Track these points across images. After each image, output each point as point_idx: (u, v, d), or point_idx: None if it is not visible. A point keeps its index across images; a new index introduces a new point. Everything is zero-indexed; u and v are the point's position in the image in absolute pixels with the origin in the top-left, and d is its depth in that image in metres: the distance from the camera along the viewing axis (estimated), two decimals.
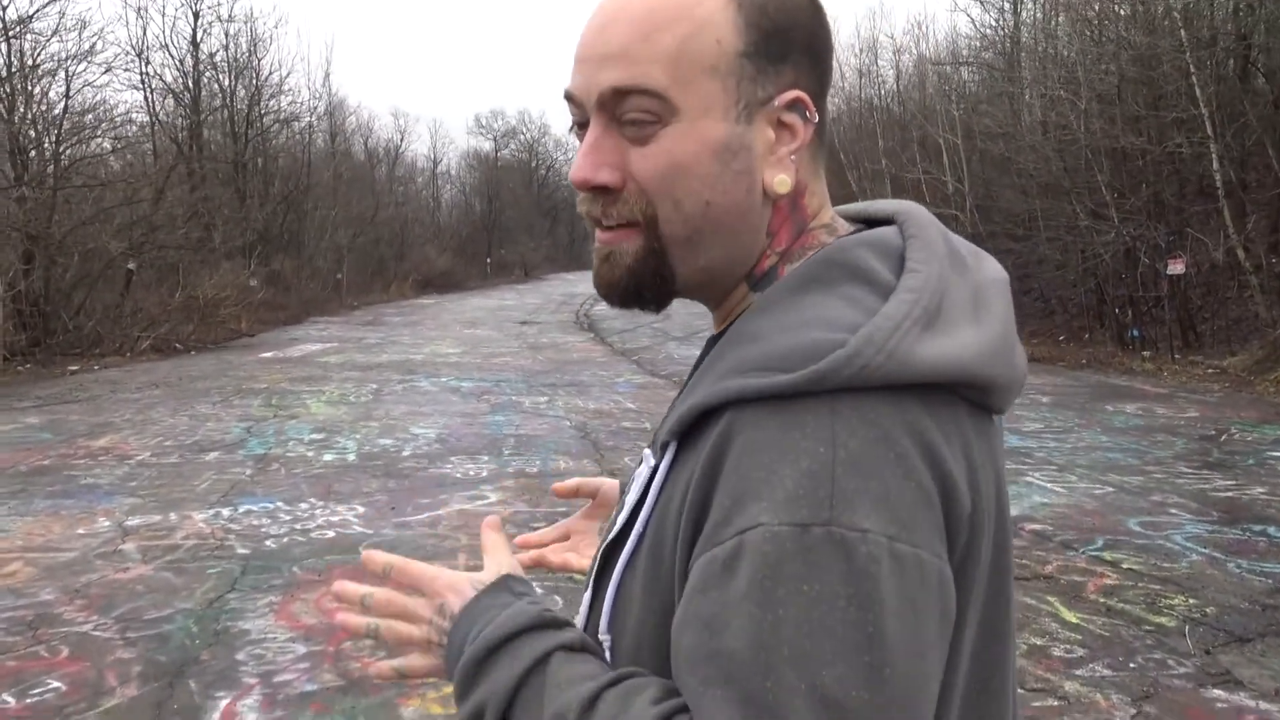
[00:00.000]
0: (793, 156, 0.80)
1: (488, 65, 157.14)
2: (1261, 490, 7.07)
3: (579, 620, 0.86)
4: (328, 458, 7.88)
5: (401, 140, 56.49)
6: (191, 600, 4.64)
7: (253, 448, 8.24)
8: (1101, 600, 4.76)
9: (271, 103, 34.17)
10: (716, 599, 0.67)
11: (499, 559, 0.88)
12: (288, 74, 38.31)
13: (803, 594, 0.64)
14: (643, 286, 0.81)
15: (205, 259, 22.46)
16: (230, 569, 5.10)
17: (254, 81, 33.19)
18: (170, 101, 30.56)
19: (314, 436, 8.75)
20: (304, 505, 6.33)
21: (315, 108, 37.73)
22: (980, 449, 0.75)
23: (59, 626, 4.32)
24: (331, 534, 5.71)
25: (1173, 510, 6.49)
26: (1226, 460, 8.12)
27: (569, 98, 0.82)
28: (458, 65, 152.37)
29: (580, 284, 45.03)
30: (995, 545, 0.76)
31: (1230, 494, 6.97)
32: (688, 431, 0.76)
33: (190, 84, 30.97)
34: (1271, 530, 5.99)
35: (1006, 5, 28.51)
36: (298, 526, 5.84)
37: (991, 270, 0.84)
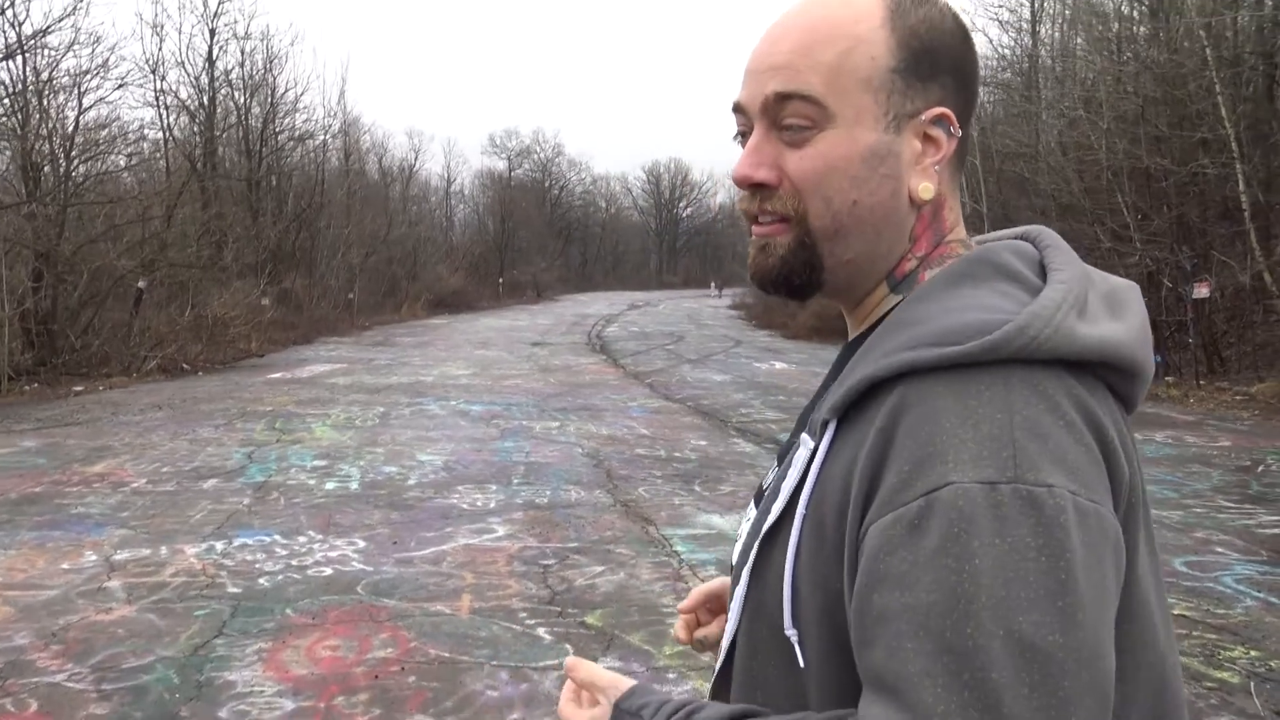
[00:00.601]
0: (936, 167, 0.87)
1: (502, 85, 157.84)
2: None
3: (731, 616, 0.89)
4: (329, 486, 7.57)
5: (416, 159, 56.47)
6: (175, 647, 4.32)
7: (252, 475, 7.94)
8: None
9: (286, 120, 34.17)
10: (906, 557, 0.70)
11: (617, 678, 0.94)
12: (303, 91, 38.57)
13: (996, 546, 0.67)
14: (794, 274, 0.88)
15: (216, 277, 22.28)
16: (219, 610, 4.78)
17: (269, 99, 33.18)
18: (185, 118, 30.55)
19: (317, 463, 8.45)
20: (302, 539, 6.02)
21: (330, 125, 37.74)
22: (1124, 431, 0.79)
23: (30, 676, 4.01)
24: (329, 571, 5.39)
25: (1219, 549, 6.13)
26: (1268, 493, 7.79)
27: (737, 108, 0.90)
28: (473, 85, 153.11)
29: (592, 305, 44.82)
30: (1145, 521, 0.80)
31: (1278, 530, 6.61)
32: (849, 410, 0.80)
33: (205, 101, 30.95)
34: None
35: (1025, 26, 28.28)
36: (294, 562, 5.52)
37: (1120, 280, 0.90)
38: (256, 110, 33.21)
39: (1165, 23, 19.30)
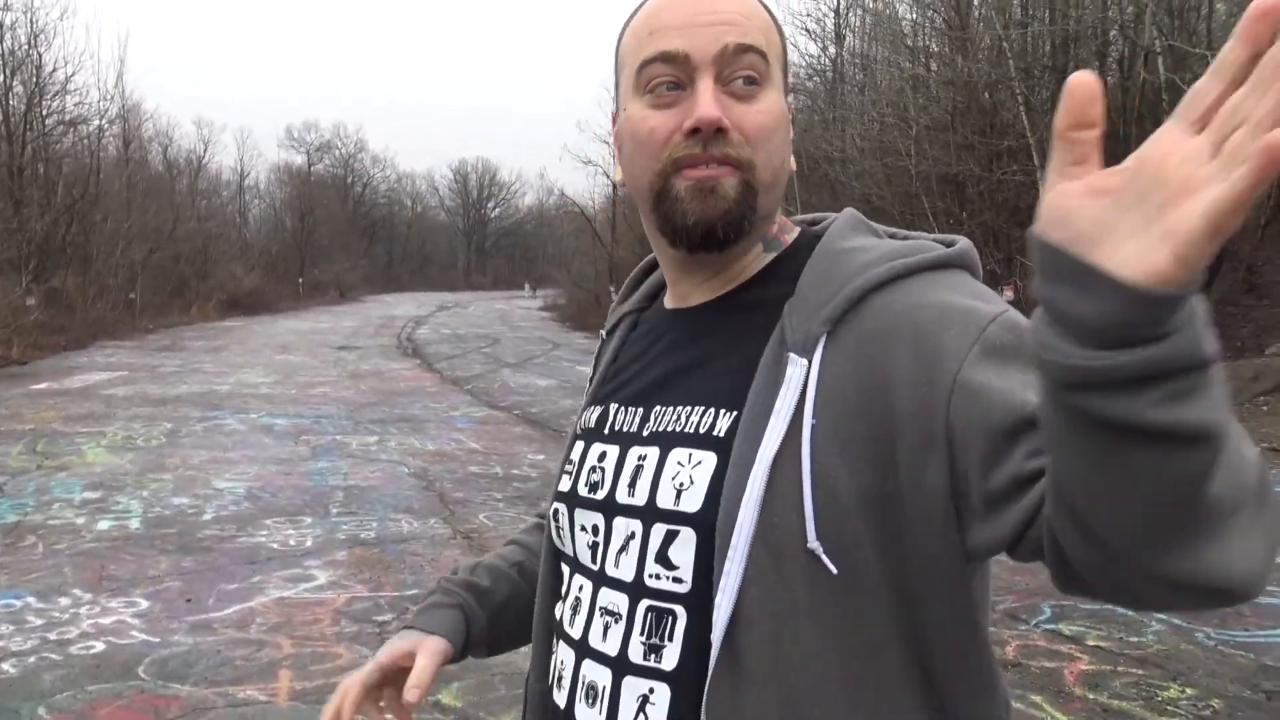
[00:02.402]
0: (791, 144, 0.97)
1: (300, 75, 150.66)
2: None
3: (729, 575, 0.83)
4: (103, 526, 6.26)
5: (205, 150, 52.79)
6: None
7: (2, 514, 6.53)
8: (1090, 696, 3.95)
9: (55, 102, 31.01)
10: (1018, 366, 0.76)
11: None
12: (74, 72, 34.96)
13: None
14: (745, 218, 0.91)
15: None
16: None
17: (34, 77, 29.97)
18: None
19: (87, 495, 7.06)
20: (64, 600, 4.78)
21: (106, 110, 34.45)
22: None
23: None
24: (99, 647, 4.21)
25: None
26: None
27: (671, 58, 0.90)
28: (268, 74, 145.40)
29: (400, 305, 43.04)
30: None
31: None
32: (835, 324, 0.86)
33: None
34: None
35: (830, 36, 29.00)
36: (52, 636, 4.31)
37: None
38: (19, 89, 30.00)
39: (963, 33, 19.96)
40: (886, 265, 0.86)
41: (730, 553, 0.82)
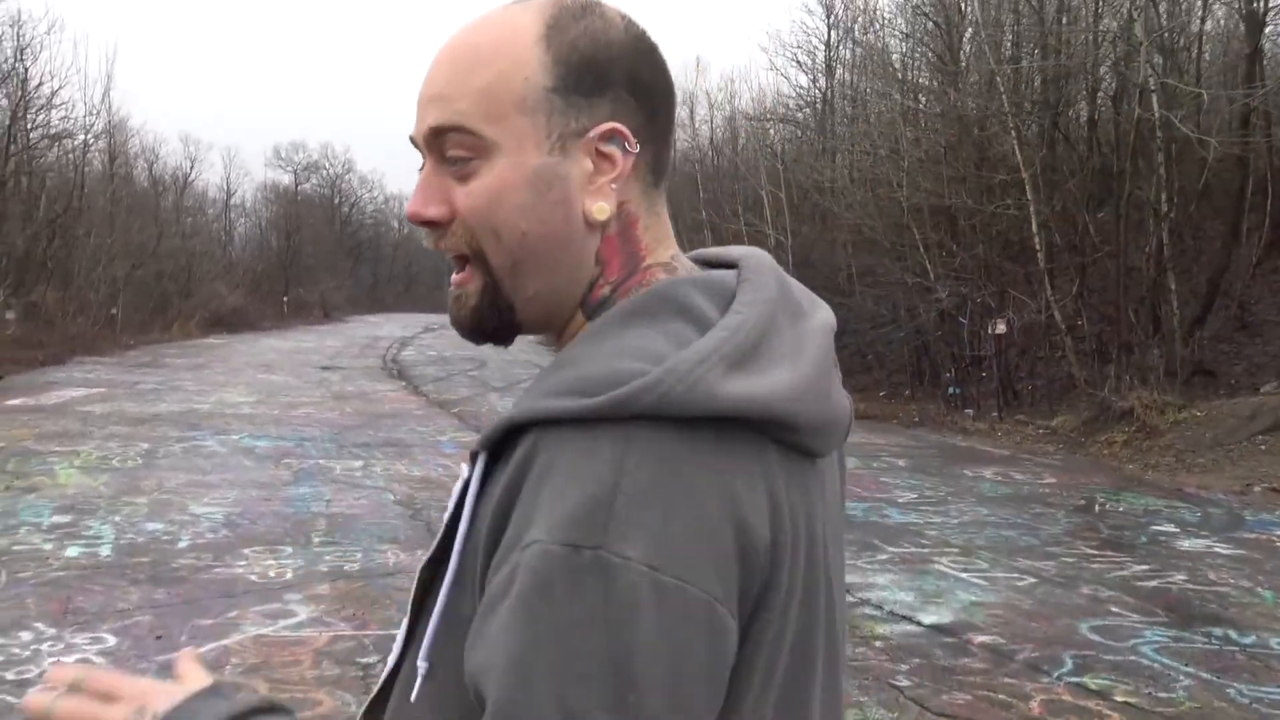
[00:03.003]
0: (613, 185, 0.82)
1: (288, 95, 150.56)
2: (1183, 577, 6.44)
3: (393, 654, 0.83)
4: (71, 553, 5.94)
5: (191, 168, 52.41)
6: None
7: None
8: None
9: (40, 116, 30.74)
10: (493, 616, 0.69)
11: (201, 677, 0.84)
12: (61, 86, 34.67)
13: (564, 613, 0.66)
14: (485, 321, 0.84)
15: None
16: None
17: (19, 91, 29.71)
18: None
19: (56, 520, 6.74)
20: (25, 636, 4.46)
21: (92, 125, 34.15)
22: (790, 488, 0.76)
23: None
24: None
25: (1115, 609, 5.65)
26: (1120, 538, 7.65)
27: (411, 141, 0.86)
28: (256, 93, 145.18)
29: (384, 326, 42.70)
30: (805, 581, 0.77)
31: (1154, 583, 6.30)
32: (498, 446, 0.77)
33: None
34: (1233, 634, 5.24)
35: (821, 68, 29.13)
36: (9, 676, 3.99)
37: (821, 317, 0.87)
38: (4, 103, 29.72)
39: (954, 67, 19.98)
40: (529, 406, 0.75)
41: (397, 639, 0.86)
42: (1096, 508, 9.00)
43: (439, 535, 0.81)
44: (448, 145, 0.82)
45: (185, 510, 7.19)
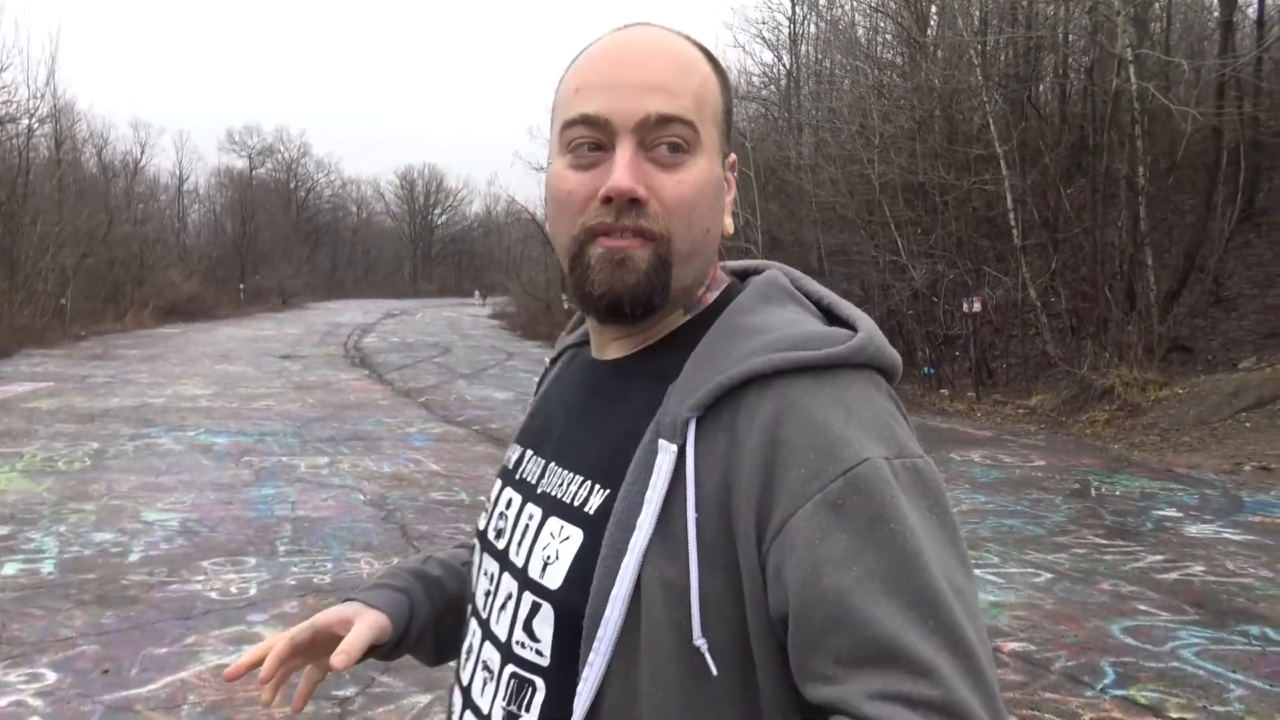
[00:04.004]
0: (732, 205, 0.95)
1: (241, 78, 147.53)
2: (1201, 568, 6.14)
3: (598, 653, 0.81)
4: (9, 570, 5.36)
5: (142, 153, 51.16)
6: None
7: None
8: None
9: None
10: (842, 537, 0.72)
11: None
12: (2, 69, 33.49)
13: (913, 509, 0.74)
14: (654, 292, 0.87)
15: None
16: None
17: None
18: None
19: None
20: None
21: (36, 109, 32.97)
22: None
23: None
24: None
25: (1141, 606, 5.31)
26: (1125, 525, 7.37)
27: (592, 121, 0.86)
28: (207, 75, 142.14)
29: (345, 313, 41.86)
30: None
31: (1174, 575, 5.99)
32: (708, 410, 0.81)
33: None
34: (1271, 633, 4.91)
35: (786, 45, 28.72)
36: None
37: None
38: None
39: (922, 38, 19.65)
40: (766, 358, 0.81)
41: (596, 644, 0.81)
42: (1093, 491, 8.74)
43: (649, 520, 0.80)
44: (665, 134, 0.86)
45: (137, 518, 6.64)
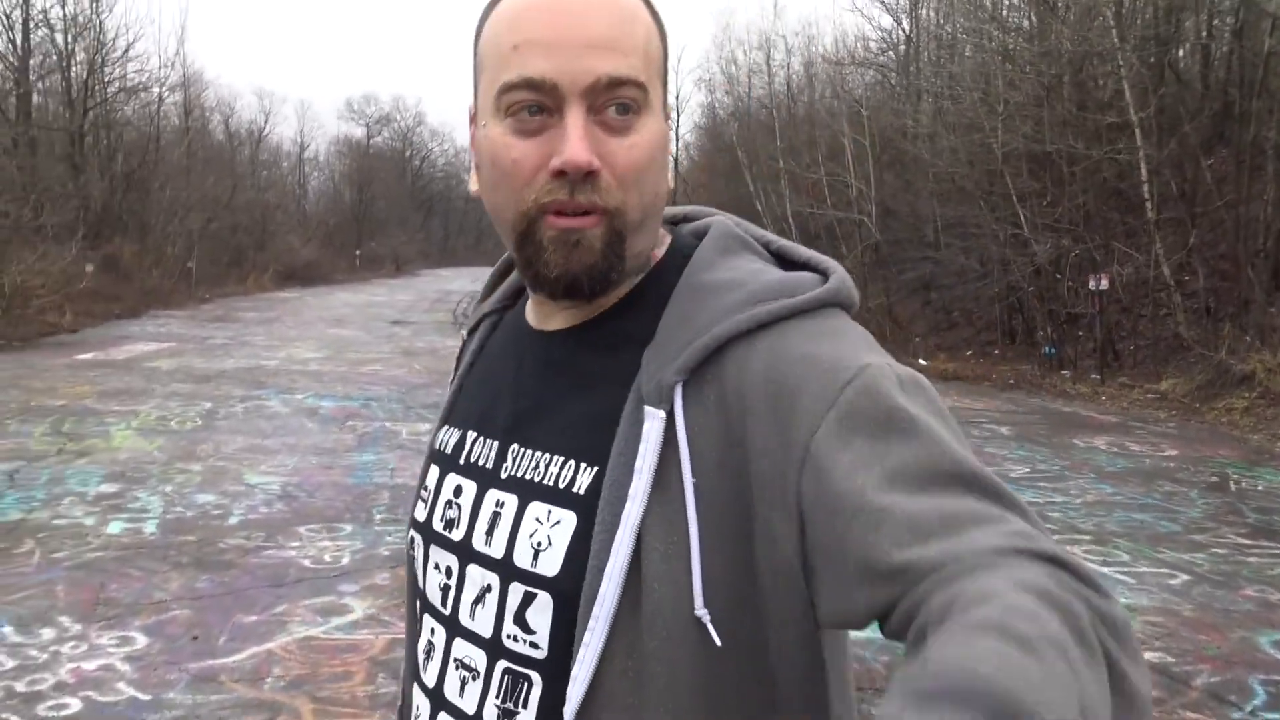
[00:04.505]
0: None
1: (360, 48, 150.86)
2: None
3: (595, 631, 0.76)
4: (112, 529, 5.43)
5: (266, 121, 52.64)
6: None
7: (5, 508, 5.73)
8: None
9: (116, 70, 30.81)
10: (864, 442, 0.70)
11: None
12: (136, 39, 34.80)
13: (919, 408, 0.73)
14: (611, 268, 0.82)
15: (27, 239, 19.17)
16: None
17: (96, 44, 29.73)
18: None
19: (103, 489, 6.28)
20: (47, 633, 3.93)
21: (167, 78, 34.17)
22: None
23: None
24: (74, 707, 3.34)
25: None
26: (1271, 524, 6.82)
27: (536, 84, 0.79)
28: (328, 45, 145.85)
29: (456, 280, 42.50)
30: None
31: None
32: (694, 372, 0.79)
33: (19, 41, 27.35)
34: None
35: (905, 8, 27.65)
36: (20, 687, 3.45)
37: None
38: (81, 56, 29.79)
39: (1048, 4, 18.58)
40: (748, 313, 0.79)
41: (591, 624, 0.76)
42: (1232, 485, 8.11)
43: (642, 490, 0.77)
44: (615, 96, 0.79)
45: (240, 480, 6.69)
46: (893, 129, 24.24)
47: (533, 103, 0.79)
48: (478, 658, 0.83)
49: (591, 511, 0.78)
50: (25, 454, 7.19)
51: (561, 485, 0.82)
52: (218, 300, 27.70)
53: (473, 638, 0.84)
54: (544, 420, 0.86)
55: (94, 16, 29.59)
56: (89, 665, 3.65)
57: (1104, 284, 15.45)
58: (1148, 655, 4.25)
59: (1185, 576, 5.46)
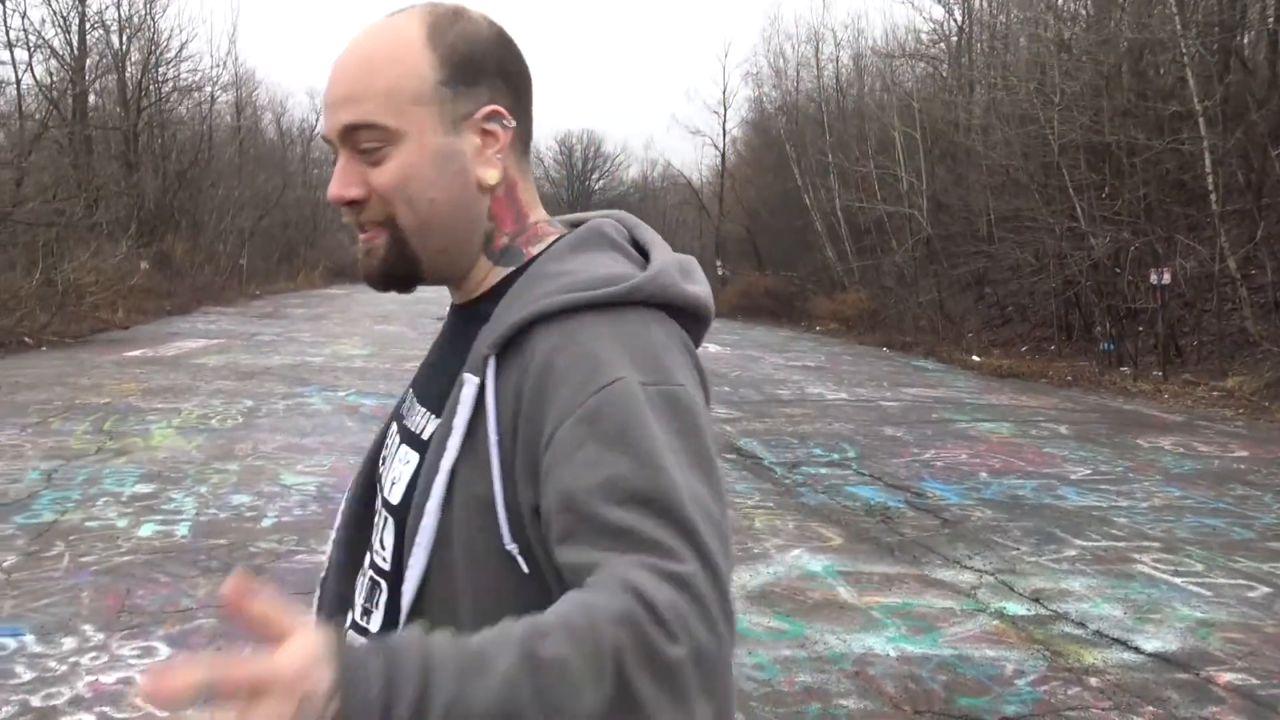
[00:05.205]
0: (498, 155, 1.00)
1: None
2: None
3: (418, 552, 0.93)
4: (144, 532, 5.31)
5: (317, 120, 53.19)
6: None
7: (39, 510, 5.65)
8: None
9: (170, 70, 31.18)
10: (593, 447, 0.82)
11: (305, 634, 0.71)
12: (189, 39, 35.24)
13: (659, 424, 0.84)
14: (394, 270, 1.00)
15: (82, 238, 19.41)
16: None
17: (149, 44, 30.11)
18: (54, 62, 27.32)
19: (139, 489, 6.19)
20: (68, 643, 3.78)
21: (219, 77, 34.55)
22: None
23: None
24: None
25: None
26: None
27: (324, 138, 1.03)
28: None
29: None
30: None
31: None
32: (507, 346, 0.92)
33: (74, 42, 27.75)
34: None
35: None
36: (36, 702, 3.32)
37: (685, 255, 1.07)
38: (135, 56, 30.19)
39: None
40: (559, 298, 0.91)
41: (416, 549, 0.93)
42: None
43: (456, 442, 0.93)
44: (360, 139, 0.96)
45: (276, 480, 6.57)
46: (944, 122, 23.75)
47: (332, 153, 1.01)
48: (366, 567, 1.05)
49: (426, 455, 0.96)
50: (65, 453, 7.15)
51: (417, 431, 1.02)
52: (268, 296, 27.96)
53: (372, 553, 1.05)
54: (432, 380, 1.05)
55: (148, 17, 29.97)
56: (107, 679, 3.50)
57: (1166, 278, 14.89)
58: (1229, 677, 3.95)
59: (1265, 589, 5.12)
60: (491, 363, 0.92)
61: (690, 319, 0.97)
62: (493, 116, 0.99)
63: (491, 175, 0.99)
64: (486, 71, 0.99)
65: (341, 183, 0.97)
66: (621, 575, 0.74)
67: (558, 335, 0.89)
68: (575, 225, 1.06)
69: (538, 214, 1.05)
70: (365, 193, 0.96)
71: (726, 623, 0.76)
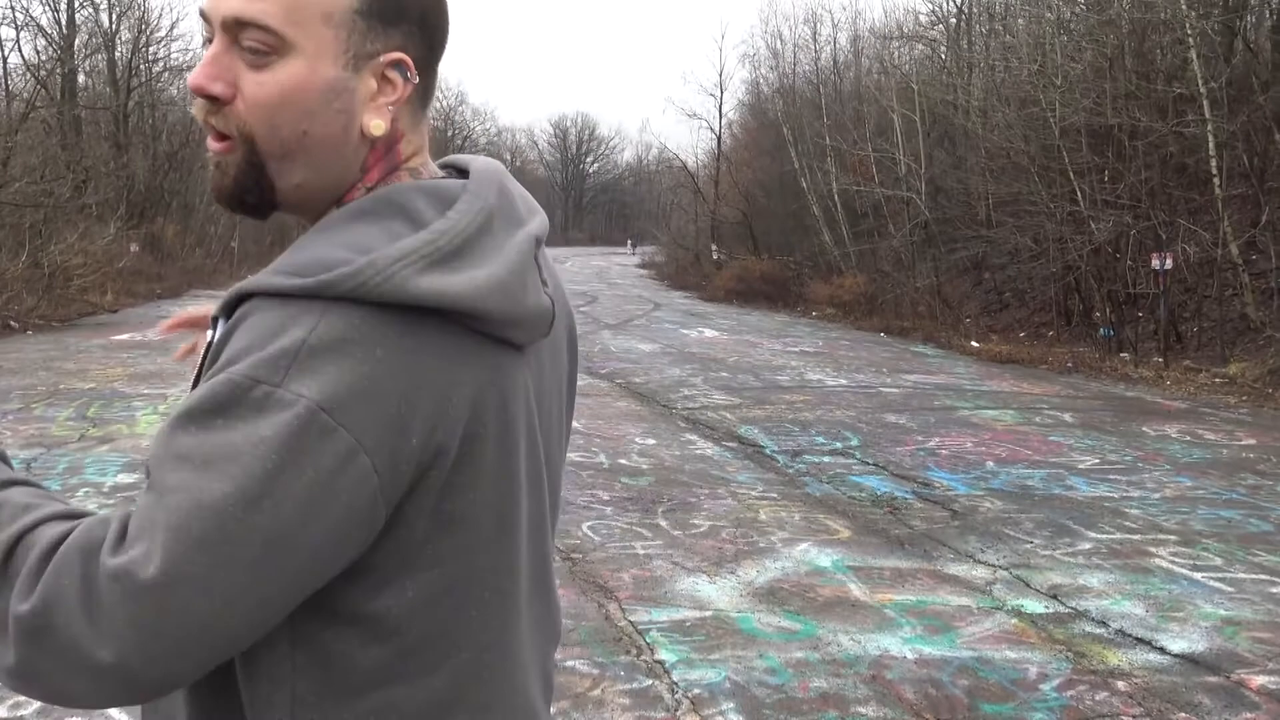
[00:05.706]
0: (390, 107, 0.92)
1: None
2: None
3: None
4: None
5: None
6: None
7: None
8: None
9: (160, 50, 30.83)
10: (176, 424, 0.80)
11: None
12: (180, 18, 34.85)
13: (223, 425, 0.77)
14: (247, 194, 0.92)
15: (70, 220, 19.13)
16: None
17: (140, 23, 29.77)
18: (41, 40, 27.01)
19: (121, 479, 5.98)
20: None
21: None
22: (480, 371, 0.86)
23: None
24: None
25: None
26: None
27: (202, 14, 0.91)
28: None
29: None
30: (500, 452, 0.88)
31: None
32: (231, 311, 0.87)
33: (63, 20, 27.40)
34: None
35: None
36: (2, 713, 3.16)
37: (532, 225, 0.95)
38: (125, 35, 29.86)
39: None
40: (255, 279, 0.86)
41: None
42: None
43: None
44: (245, 36, 0.86)
45: None
46: (943, 104, 23.54)
47: (206, 33, 0.90)
48: None
49: None
50: (46, 440, 6.94)
51: None
52: None
53: None
54: None
55: None
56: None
57: (1168, 263, 14.73)
58: (1261, 680, 3.78)
59: None
60: (222, 323, 0.87)
61: (474, 319, 0.85)
62: (398, 64, 0.91)
63: (378, 126, 0.91)
64: (408, 16, 0.91)
65: (209, 73, 0.87)
66: (101, 524, 0.82)
67: (244, 314, 0.84)
68: (460, 171, 0.98)
69: (411, 164, 0.95)
70: (231, 93, 0.87)
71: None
